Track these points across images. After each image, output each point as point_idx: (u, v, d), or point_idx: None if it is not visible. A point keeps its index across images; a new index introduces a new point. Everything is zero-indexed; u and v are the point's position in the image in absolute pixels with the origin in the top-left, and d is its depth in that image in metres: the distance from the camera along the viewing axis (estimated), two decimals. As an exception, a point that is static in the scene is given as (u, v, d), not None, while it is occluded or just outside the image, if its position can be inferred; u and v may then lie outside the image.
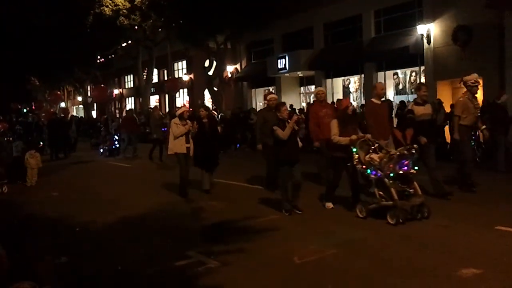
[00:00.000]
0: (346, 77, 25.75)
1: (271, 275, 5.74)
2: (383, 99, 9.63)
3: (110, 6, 28.17)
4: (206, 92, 31.96)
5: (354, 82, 25.49)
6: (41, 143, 21.31)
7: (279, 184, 8.85)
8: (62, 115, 22.92)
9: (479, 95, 15.83)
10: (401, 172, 7.64)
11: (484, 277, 5.28)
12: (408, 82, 22.51)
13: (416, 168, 7.78)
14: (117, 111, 48.30)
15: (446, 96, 18.17)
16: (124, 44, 37.85)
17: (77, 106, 57.79)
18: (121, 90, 48.57)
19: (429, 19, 20.00)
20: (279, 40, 28.78)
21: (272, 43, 29.35)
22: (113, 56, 41.25)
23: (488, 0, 17.20)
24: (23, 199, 11.35)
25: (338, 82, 26.07)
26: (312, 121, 10.71)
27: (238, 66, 32.21)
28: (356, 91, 25.32)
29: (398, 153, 7.71)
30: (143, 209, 9.54)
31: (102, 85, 44.42)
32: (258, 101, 32.02)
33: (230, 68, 31.85)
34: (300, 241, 6.94)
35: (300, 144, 8.66)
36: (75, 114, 45.69)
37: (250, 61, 31.87)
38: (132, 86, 46.77)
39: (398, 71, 22.96)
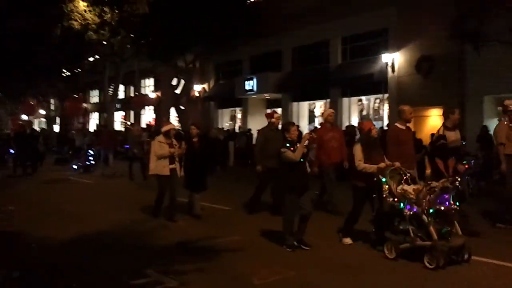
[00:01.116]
0: (312, 101, 26.08)
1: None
2: (408, 124, 8.57)
3: (79, 21, 27.83)
4: (173, 110, 31.81)
5: (320, 106, 25.83)
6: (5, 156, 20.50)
7: (283, 213, 7.79)
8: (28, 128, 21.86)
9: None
10: (442, 208, 6.67)
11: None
12: (372, 108, 22.95)
13: (457, 203, 6.82)
14: (79, 126, 47.44)
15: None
16: (91, 59, 37.40)
17: (39, 120, 56.60)
18: (85, 104, 47.88)
19: (394, 48, 20.56)
20: (248, 62, 29.00)
21: (241, 64, 29.55)
22: (79, 70, 40.66)
23: (452, 31, 17.70)
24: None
25: (304, 106, 26.36)
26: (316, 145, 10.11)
27: (206, 85, 32.24)
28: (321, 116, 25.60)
29: (441, 185, 6.68)
30: (104, 226, 9.35)
31: (76, 96, 43.38)
32: (225, 122, 32.04)
33: (198, 87, 31.87)
34: (262, 262, 6.92)
35: (309, 169, 7.82)
36: (39, 128, 44.63)
37: (218, 81, 31.96)
38: (97, 101, 46.16)
39: (363, 97, 23.41)
